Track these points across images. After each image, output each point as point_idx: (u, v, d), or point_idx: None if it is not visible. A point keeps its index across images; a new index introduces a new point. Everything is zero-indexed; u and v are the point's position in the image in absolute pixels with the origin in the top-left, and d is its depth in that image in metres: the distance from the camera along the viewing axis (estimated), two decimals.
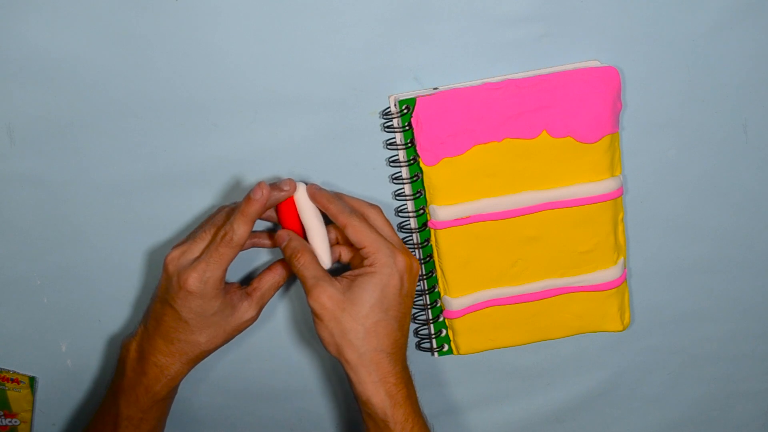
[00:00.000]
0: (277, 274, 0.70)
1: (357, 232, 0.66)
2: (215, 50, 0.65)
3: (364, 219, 0.67)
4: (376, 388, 0.65)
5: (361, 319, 0.64)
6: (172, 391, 0.71)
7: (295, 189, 0.67)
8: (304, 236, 0.68)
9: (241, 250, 0.66)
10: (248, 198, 0.65)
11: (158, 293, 0.68)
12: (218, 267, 0.64)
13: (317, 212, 0.68)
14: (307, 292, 0.65)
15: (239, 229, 0.64)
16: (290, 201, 0.67)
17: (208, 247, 0.65)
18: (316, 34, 0.65)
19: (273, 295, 0.70)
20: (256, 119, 0.68)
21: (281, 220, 0.69)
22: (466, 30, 0.65)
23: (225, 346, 0.70)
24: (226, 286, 0.67)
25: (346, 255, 0.71)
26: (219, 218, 0.67)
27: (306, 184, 0.68)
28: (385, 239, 0.66)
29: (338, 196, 0.69)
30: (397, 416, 0.65)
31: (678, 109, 0.70)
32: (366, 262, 0.66)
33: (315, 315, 0.65)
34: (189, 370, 0.70)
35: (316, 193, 0.67)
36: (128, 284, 0.74)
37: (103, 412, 0.72)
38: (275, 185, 0.67)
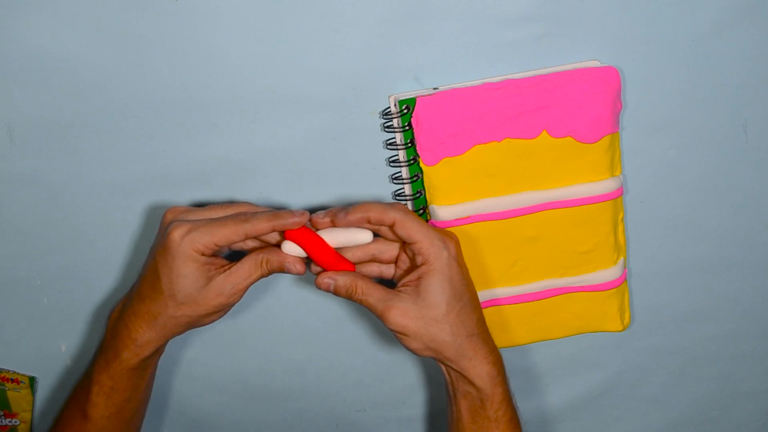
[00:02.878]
0: (259, 258, 0.65)
1: (406, 227, 0.64)
2: (215, 50, 0.65)
3: (405, 208, 0.65)
4: (477, 371, 0.66)
5: (443, 317, 0.64)
6: (143, 363, 0.67)
7: (306, 219, 0.65)
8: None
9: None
10: (290, 212, 0.64)
11: (151, 248, 0.66)
12: (211, 235, 0.62)
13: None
14: (380, 317, 0.65)
15: (259, 224, 0.63)
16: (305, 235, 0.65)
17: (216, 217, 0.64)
18: (316, 34, 0.65)
19: (255, 281, 0.66)
20: (256, 119, 0.68)
21: (306, 249, 0.66)
22: (466, 30, 0.65)
23: (224, 346, 0.70)
24: (210, 259, 0.64)
25: (388, 272, 0.70)
26: (237, 204, 0.66)
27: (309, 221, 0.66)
28: (429, 226, 0.65)
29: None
30: (495, 395, 0.66)
31: (678, 109, 0.70)
32: (419, 260, 0.65)
33: (398, 333, 0.65)
34: (160, 343, 0.67)
35: (345, 219, 0.65)
36: (129, 284, 0.74)
37: (84, 375, 0.70)
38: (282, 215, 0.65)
